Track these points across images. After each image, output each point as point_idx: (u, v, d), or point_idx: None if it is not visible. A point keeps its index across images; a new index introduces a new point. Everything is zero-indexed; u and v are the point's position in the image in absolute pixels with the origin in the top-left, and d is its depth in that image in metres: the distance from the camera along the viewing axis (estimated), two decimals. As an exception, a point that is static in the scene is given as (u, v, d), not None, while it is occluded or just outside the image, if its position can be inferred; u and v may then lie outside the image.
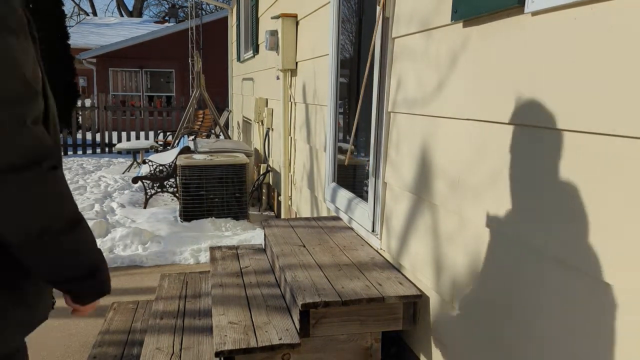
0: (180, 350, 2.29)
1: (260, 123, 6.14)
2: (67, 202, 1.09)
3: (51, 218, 1.05)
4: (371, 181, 2.66)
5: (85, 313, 1.25)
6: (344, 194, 3.14)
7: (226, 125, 10.06)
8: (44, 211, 1.04)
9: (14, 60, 0.99)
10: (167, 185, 6.49)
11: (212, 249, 3.12)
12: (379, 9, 2.42)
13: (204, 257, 4.35)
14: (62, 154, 10.28)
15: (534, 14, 1.42)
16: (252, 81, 7.27)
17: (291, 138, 4.66)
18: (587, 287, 1.23)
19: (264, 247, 3.13)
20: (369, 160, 2.71)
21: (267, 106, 5.89)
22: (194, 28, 17.10)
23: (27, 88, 1.01)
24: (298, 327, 2.07)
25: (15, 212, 1.01)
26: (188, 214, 5.41)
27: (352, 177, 3.36)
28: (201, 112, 11.40)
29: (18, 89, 0.99)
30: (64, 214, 1.07)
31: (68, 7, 21.16)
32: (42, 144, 1.03)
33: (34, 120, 1.02)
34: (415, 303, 2.14)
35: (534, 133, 1.44)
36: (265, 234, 3.00)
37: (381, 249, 2.56)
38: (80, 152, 11.68)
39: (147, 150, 9.68)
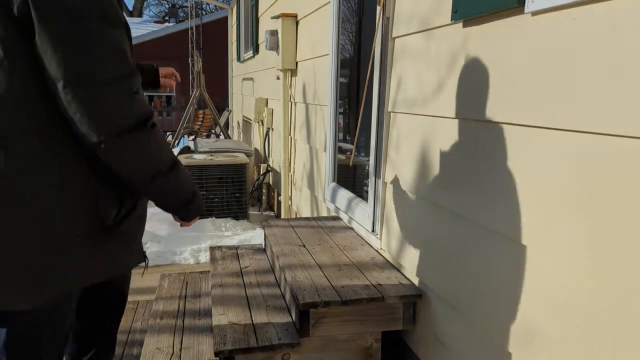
0: (180, 350, 2.29)
1: (260, 123, 6.14)
2: (166, 149, 1.41)
3: (158, 163, 1.38)
4: (371, 181, 2.66)
5: (190, 225, 1.63)
6: (344, 194, 3.14)
7: (226, 125, 10.06)
8: (153, 159, 1.37)
9: (119, 45, 1.29)
10: (167, 185, 6.48)
11: (212, 248, 3.12)
12: (379, 8, 2.42)
13: (204, 257, 4.35)
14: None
15: (534, 14, 1.42)
16: (252, 81, 7.27)
17: (291, 138, 4.66)
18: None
19: (264, 247, 3.13)
20: (369, 160, 2.71)
21: (267, 106, 5.89)
22: (194, 28, 17.10)
23: (131, 67, 1.31)
24: (298, 326, 2.08)
25: (135, 162, 1.35)
26: (188, 213, 5.40)
27: (352, 177, 3.36)
28: (201, 112, 11.40)
29: (127, 68, 1.29)
30: (166, 159, 1.40)
31: (68, 7, 21.06)
32: (145, 108, 1.34)
33: (137, 91, 1.32)
34: (415, 303, 2.14)
35: (534, 133, 1.44)
36: (265, 234, 3.00)
37: (381, 248, 2.56)
38: (80, 152, 11.68)
39: (147, 150, 9.65)
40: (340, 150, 3.45)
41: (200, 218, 5.39)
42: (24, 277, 1.31)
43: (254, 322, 2.15)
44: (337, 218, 3.20)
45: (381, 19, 2.43)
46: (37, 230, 1.30)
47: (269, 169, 5.92)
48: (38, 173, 1.29)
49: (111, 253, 1.46)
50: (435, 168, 2.00)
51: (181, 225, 1.65)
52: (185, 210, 1.55)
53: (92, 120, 1.25)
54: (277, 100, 5.05)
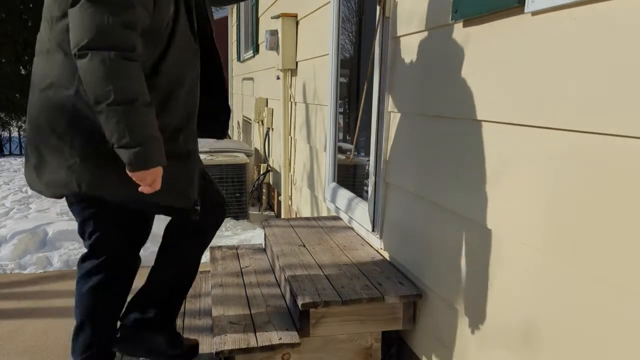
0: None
1: (260, 123, 6.14)
2: (126, 84, 1.44)
3: (102, 91, 1.42)
4: (371, 181, 2.66)
5: (144, 188, 1.57)
6: (344, 194, 3.14)
7: (226, 125, 10.05)
8: (98, 84, 1.42)
9: None
10: (167, 185, 6.49)
11: (212, 248, 3.12)
12: (379, 8, 2.42)
13: (204, 257, 4.34)
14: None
15: (534, 13, 1.42)
16: (252, 81, 7.26)
17: (291, 138, 4.66)
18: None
19: (264, 246, 3.13)
20: (369, 160, 2.71)
21: (267, 106, 5.89)
22: (194, 28, 17.06)
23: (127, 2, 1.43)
24: (298, 326, 2.08)
25: (85, 80, 1.43)
26: (188, 213, 5.40)
27: (352, 176, 3.36)
28: (201, 111, 11.39)
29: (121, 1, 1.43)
30: (117, 92, 1.42)
31: (68, 6, 21.04)
32: (117, 38, 1.42)
33: (126, 24, 1.42)
34: (415, 302, 2.14)
35: (532, 133, 1.44)
36: (265, 234, 3.00)
37: (381, 248, 2.56)
38: (80, 152, 11.68)
39: (147, 150, 9.66)
40: (340, 150, 3.45)
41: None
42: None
43: (254, 322, 2.15)
44: (337, 218, 3.20)
45: (381, 18, 2.43)
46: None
47: (269, 168, 5.92)
48: None
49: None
50: (435, 168, 1.99)
51: (139, 189, 1.61)
52: (125, 155, 1.51)
53: (71, 35, 1.44)
54: (277, 100, 5.05)
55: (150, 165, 1.53)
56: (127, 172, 1.55)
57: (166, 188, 1.64)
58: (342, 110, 3.46)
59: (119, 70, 1.41)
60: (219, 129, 2.04)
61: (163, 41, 1.61)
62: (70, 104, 1.57)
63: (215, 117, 2.00)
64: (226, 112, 2.02)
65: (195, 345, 2.23)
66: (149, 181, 1.57)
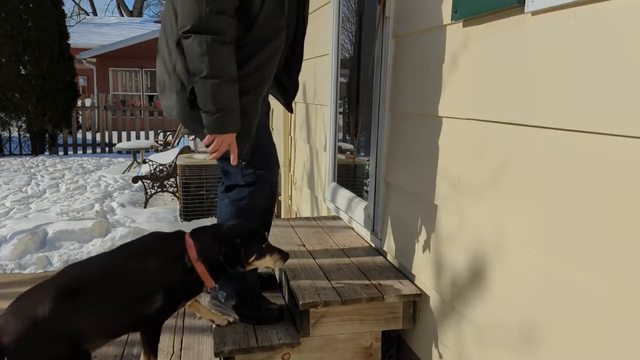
0: (181, 350, 2.29)
1: (261, 123, 6.13)
2: (215, 62, 1.76)
3: (197, 67, 1.76)
4: (371, 180, 2.66)
5: (212, 151, 1.87)
6: (344, 194, 3.14)
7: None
8: (194, 61, 1.77)
9: None
10: (167, 185, 6.48)
11: (212, 248, 3.11)
12: (379, 8, 2.42)
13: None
14: (62, 153, 10.28)
15: (534, 13, 1.42)
16: (252, 81, 7.25)
17: (291, 138, 4.66)
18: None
19: (264, 246, 3.13)
20: (369, 160, 2.71)
21: (267, 106, 5.88)
22: (194, 28, 17.07)
23: None
24: (298, 326, 2.07)
25: (190, 57, 1.78)
26: (188, 213, 5.40)
27: (352, 176, 3.36)
28: (201, 111, 11.38)
29: None
30: (207, 69, 1.75)
31: (68, 6, 21.12)
32: (214, 25, 1.74)
33: (219, 11, 1.74)
34: (415, 302, 2.14)
35: (531, 133, 1.44)
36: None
37: (381, 248, 2.56)
38: (80, 152, 11.69)
39: (147, 150, 9.68)
40: (340, 150, 3.45)
41: (200, 218, 5.40)
42: None
43: (254, 321, 2.14)
44: (337, 218, 3.20)
45: (381, 18, 2.43)
46: None
47: (269, 168, 5.91)
48: None
49: None
50: (435, 168, 1.99)
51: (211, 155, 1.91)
52: (205, 119, 1.82)
53: (178, 20, 1.80)
54: (277, 100, 5.04)
55: (223, 131, 1.83)
56: (205, 132, 1.85)
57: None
58: (342, 110, 3.46)
59: (212, 51, 1.74)
60: (288, 102, 2.49)
61: (250, 18, 1.88)
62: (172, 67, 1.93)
63: (286, 91, 2.44)
64: (294, 88, 2.46)
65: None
66: (217, 145, 1.85)
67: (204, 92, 1.78)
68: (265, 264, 2.00)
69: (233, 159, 1.90)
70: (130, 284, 1.84)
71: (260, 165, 2.09)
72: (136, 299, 1.84)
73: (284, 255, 2.01)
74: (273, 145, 2.25)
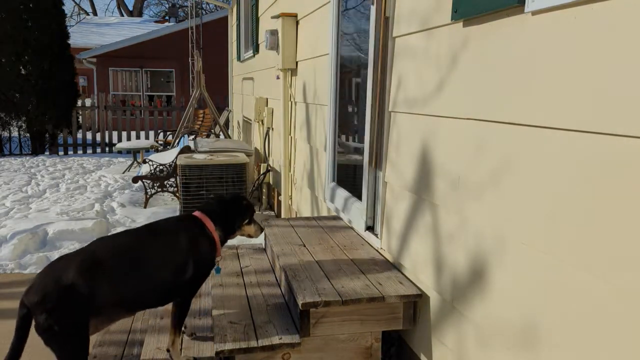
0: (181, 350, 2.29)
1: (261, 123, 6.13)
2: None
3: None
4: (371, 180, 2.66)
5: None
6: (344, 194, 3.14)
7: (226, 124, 10.05)
8: None
9: None
10: (168, 185, 6.48)
11: (212, 248, 3.12)
12: (372, 8, 2.42)
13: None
14: (63, 153, 10.29)
15: (534, 13, 1.42)
16: (252, 81, 7.26)
17: (291, 138, 4.66)
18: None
19: (264, 246, 3.13)
20: (369, 160, 2.71)
21: (267, 106, 5.89)
22: (194, 27, 17.07)
23: None
24: (298, 326, 2.07)
25: None
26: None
27: (352, 176, 3.36)
28: (201, 111, 11.39)
29: None
30: None
31: (68, 6, 21.09)
32: None
33: None
34: (416, 302, 2.14)
35: (531, 132, 1.44)
36: (265, 234, 2.99)
37: (381, 248, 2.56)
38: (80, 152, 11.68)
39: (147, 150, 9.68)
40: (341, 150, 3.45)
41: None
42: None
43: (254, 321, 2.15)
44: (337, 218, 3.20)
45: (381, 18, 2.43)
46: None
47: (269, 168, 5.92)
48: None
49: None
50: (435, 168, 1.99)
51: None
52: None
53: None
54: (277, 99, 5.05)
55: None
56: None
57: None
58: (342, 110, 3.46)
59: None
60: None
61: None
62: None
63: None
64: None
65: None
66: None
67: None
68: (250, 231, 2.44)
69: None
70: (165, 259, 2.11)
71: None
72: (169, 271, 2.08)
73: (261, 228, 2.50)
74: None
